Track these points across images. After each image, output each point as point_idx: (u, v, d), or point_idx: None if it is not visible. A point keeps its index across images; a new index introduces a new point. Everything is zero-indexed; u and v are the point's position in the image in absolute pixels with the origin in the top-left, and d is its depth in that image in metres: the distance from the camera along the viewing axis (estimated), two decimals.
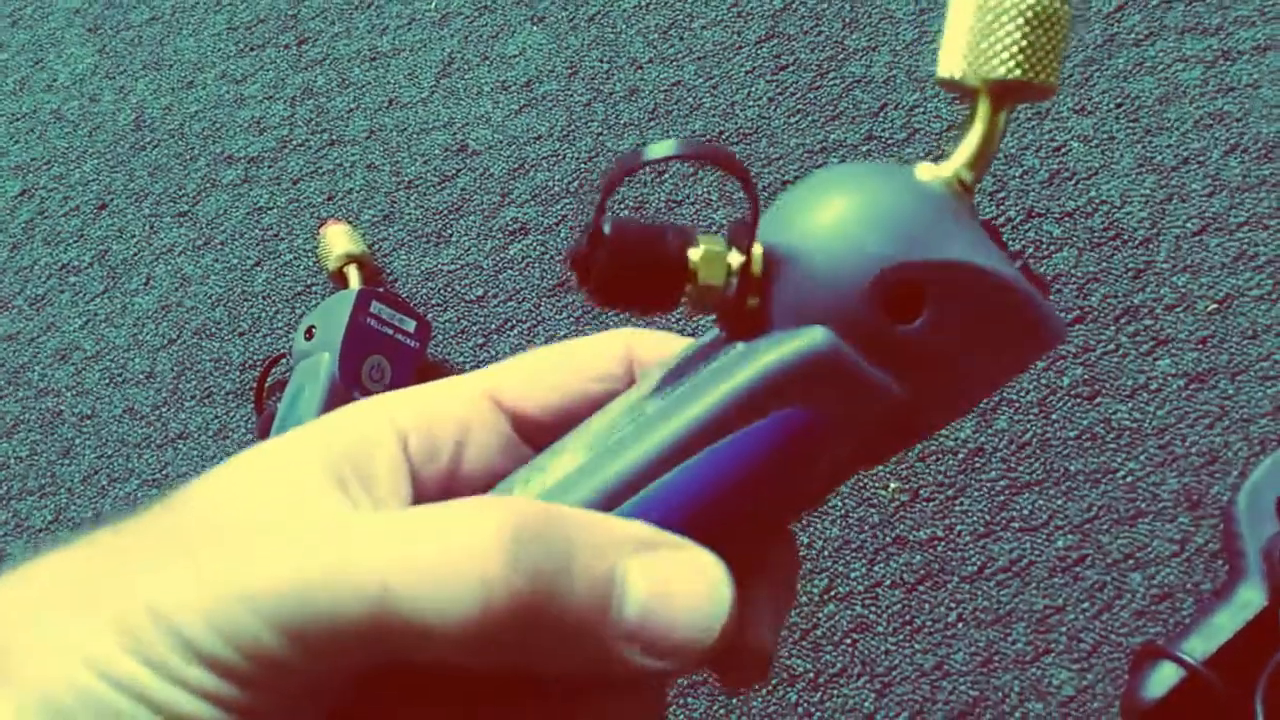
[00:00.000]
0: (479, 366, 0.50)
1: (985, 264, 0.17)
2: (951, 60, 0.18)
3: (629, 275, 0.17)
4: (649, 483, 0.17)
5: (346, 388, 0.45)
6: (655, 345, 0.21)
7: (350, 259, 0.50)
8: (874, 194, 0.17)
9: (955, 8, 0.18)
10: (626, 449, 0.17)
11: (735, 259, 0.17)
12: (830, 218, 0.17)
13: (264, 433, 0.47)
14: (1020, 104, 0.18)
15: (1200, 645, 0.39)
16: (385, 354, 0.47)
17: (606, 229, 0.17)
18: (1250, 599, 0.39)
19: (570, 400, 0.20)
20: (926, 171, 0.18)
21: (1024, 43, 0.17)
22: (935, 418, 0.18)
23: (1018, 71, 0.17)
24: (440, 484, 0.19)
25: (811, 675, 0.42)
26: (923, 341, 0.17)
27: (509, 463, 0.19)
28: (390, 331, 0.47)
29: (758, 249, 0.17)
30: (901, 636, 0.43)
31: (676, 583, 0.16)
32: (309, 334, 0.47)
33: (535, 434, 0.20)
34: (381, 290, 0.48)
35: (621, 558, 0.16)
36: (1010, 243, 0.48)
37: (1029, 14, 0.17)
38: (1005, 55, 0.17)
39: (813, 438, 0.17)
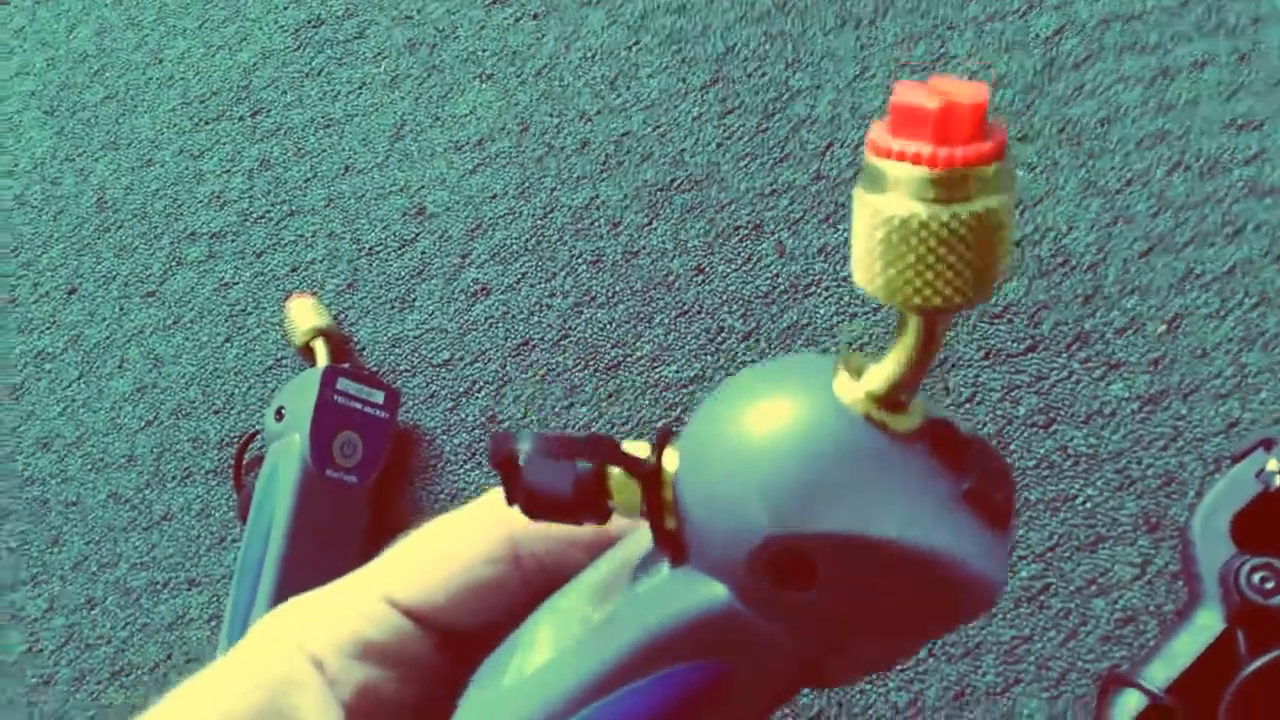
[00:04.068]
0: (450, 431, 0.51)
1: (882, 532, 0.15)
2: (863, 271, 0.14)
3: (551, 500, 0.16)
4: (579, 710, 0.17)
5: (319, 468, 0.46)
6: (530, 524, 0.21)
7: (317, 333, 0.51)
8: (771, 437, 0.15)
9: (860, 208, 0.14)
10: (565, 669, 0.17)
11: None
12: (723, 465, 0.15)
13: (244, 511, 0.48)
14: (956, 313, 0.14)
15: (1162, 671, 0.40)
16: (355, 429, 0.48)
17: (521, 459, 0.16)
18: (1208, 623, 0.40)
19: (462, 592, 0.20)
20: (846, 388, 0.15)
21: (945, 266, 0.13)
22: (848, 673, 0.17)
23: (942, 296, 0.14)
24: (367, 704, 0.19)
25: None
26: (821, 607, 0.15)
27: (425, 673, 0.20)
28: (359, 406, 0.48)
29: (670, 462, 0.16)
30: (874, 676, 0.44)
31: None
32: (279, 415, 0.48)
33: (438, 623, 0.21)
34: (346, 366, 0.49)
35: None
36: None
37: (946, 236, 0.13)
38: (922, 281, 0.14)
39: (719, 688, 0.16)
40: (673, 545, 0.16)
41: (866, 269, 0.14)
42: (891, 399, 0.15)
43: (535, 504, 0.16)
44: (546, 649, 0.18)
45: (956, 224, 0.13)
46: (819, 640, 0.16)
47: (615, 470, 0.16)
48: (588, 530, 0.20)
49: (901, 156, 0.13)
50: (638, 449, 0.17)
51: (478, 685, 0.19)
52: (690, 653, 0.16)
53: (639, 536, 0.18)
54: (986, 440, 0.16)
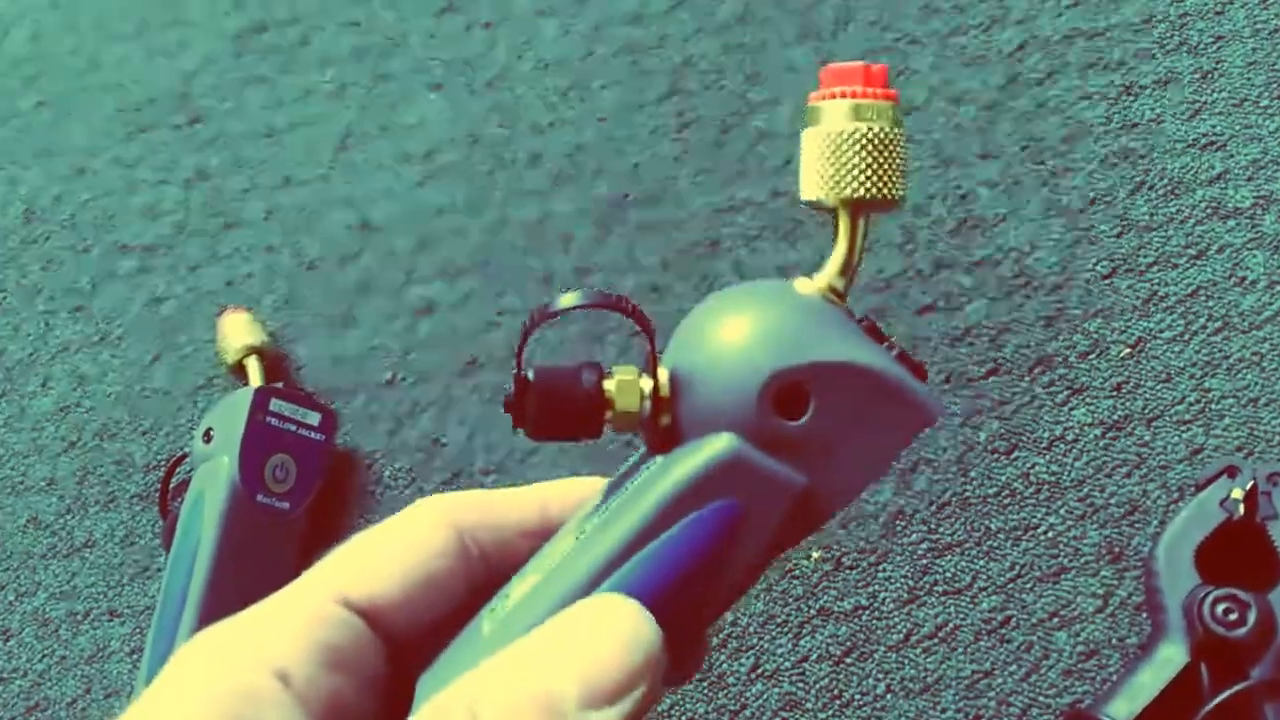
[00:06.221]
0: (390, 455, 0.48)
1: (856, 359, 0.20)
2: (810, 185, 0.21)
3: (556, 414, 0.20)
4: (593, 590, 0.19)
5: (249, 492, 0.44)
6: (472, 505, 0.22)
7: (249, 350, 0.48)
8: (757, 312, 0.20)
9: (807, 140, 0.21)
10: (572, 565, 0.19)
11: (647, 384, 0.20)
12: (721, 337, 0.20)
13: (169, 539, 0.46)
14: (874, 213, 0.21)
15: (1125, 706, 0.39)
16: (289, 452, 0.46)
17: (530, 376, 0.20)
18: (1172, 656, 0.39)
19: (414, 587, 0.21)
20: (804, 285, 0.21)
21: (868, 164, 0.20)
22: (837, 497, 0.20)
23: (868, 188, 0.20)
24: (331, 708, 0.19)
25: None
26: (813, 432, 0.19)
27: (378, 684, 0.20)
28: (293, 428, 0.46)
29: (663, 374, 0.20)
30: (831, 712, 0.42)
31: (587, 631, 0.17)
32: (207, 436, 0.45)
33: (389, 624, 0.21)
34: (280, 386, 0.47)
35: (533, 669, 0.17)
36: (924, 294, 0.48)
37: (867, 140, 0.20)
38: (853, 176, 0.20)
39: (734, 527, 0.19)
40: (666, 436, 0.20)
41: (813, 179, 0.21)
42: (837, 290, 0.21)
43: (542, 413, 0.20)
44: (529, 580, 0.20)
45: (880, 135, 0.21)
46: (811, 464, 0.19)
47: (614, 381, 0.20)
48: (531, 517, 0.23)
49: (841, 95, 0.21)
50: (626, 370, 0.20)
51: (445, 658, 0.20)
52: (704, 499, 0.19)
53: (576, 520, 0.21)
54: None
